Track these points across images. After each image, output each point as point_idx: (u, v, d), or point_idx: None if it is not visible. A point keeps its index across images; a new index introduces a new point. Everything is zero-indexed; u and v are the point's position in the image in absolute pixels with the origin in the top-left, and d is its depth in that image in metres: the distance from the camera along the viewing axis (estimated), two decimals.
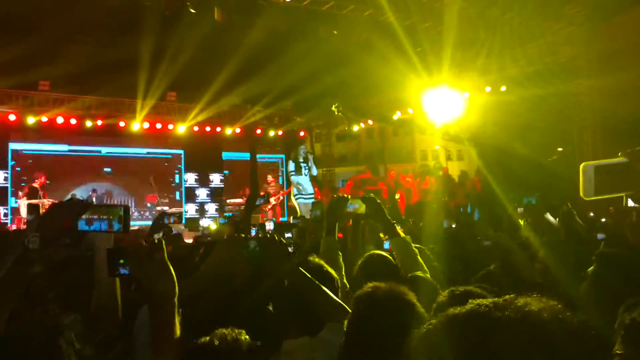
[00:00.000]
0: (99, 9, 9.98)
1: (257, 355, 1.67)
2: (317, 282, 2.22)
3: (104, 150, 15.41)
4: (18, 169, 14.17)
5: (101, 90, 13.62)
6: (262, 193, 13.60)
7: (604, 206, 7.08)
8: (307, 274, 2.24)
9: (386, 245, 4.46)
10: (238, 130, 16.24)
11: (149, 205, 15.41)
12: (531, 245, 3.61)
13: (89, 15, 10.22)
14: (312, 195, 10.08)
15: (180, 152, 16.17)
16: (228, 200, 15.89)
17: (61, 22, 10.65)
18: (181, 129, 15.32)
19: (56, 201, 12.67)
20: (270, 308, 2.44)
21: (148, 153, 15.99)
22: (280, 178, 16.32)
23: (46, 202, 12.05)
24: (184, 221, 11.09)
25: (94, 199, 13.99)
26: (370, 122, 16.22)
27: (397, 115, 14.97)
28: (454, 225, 6.68)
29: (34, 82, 13.34)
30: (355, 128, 16.83)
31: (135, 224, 13.78)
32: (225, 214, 10.73)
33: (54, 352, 1.63)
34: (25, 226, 9.72)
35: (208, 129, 15.92)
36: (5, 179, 13.92)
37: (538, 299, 0.90)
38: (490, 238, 4.24)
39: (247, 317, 2.25)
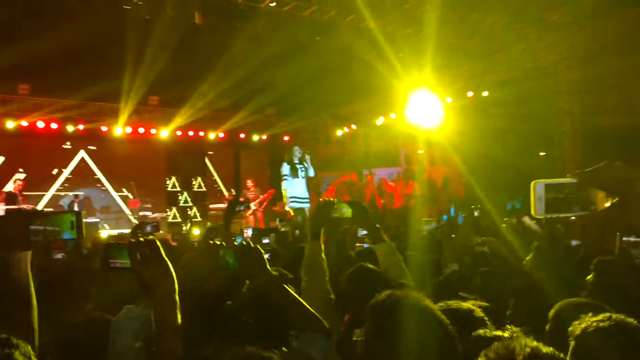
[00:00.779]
0: (80, 13, 9.87)
1: None
2: (292, 292, 2.21)
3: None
4: None
5: (83, 95, 13.47)
6: (242, 199, 13.53)
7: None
8: (283, 283, 2.21)
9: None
10: (222, 134, 16.17)
11: (130, 210, 15.25)
12: (515, 251, 3.62)
13: (70, 18, 10.11)
14: (308, 200, 9.69)
15: (163, 156, 16.05)
16: (211, 206, 15.78)
17: (41, 25, 10.53)
18: (164, 133, 15.21)
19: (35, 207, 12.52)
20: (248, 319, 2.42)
21: (130, 157, 15.84)
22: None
23: (24, 207, 11.86)
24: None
25: (75, 205, 13.80)
26: (354, 126, 16.26)
27: (380, 121, 15.02)
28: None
29: (13, 86, 13.17)
30: (339, 132, 16.87)
31: (116, 231, 13.65)
32: None
33: None
34: None
35: (191, 133, 15.82)
36: None
37: None
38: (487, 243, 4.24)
39: (227, 327, 2.23)
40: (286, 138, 17.56)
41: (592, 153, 10.74)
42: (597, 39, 9.89)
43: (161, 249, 1.90)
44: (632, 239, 3.03)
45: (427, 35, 9.28)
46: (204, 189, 16.54)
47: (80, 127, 14.12)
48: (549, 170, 11.64)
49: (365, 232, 5.19)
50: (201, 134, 16.00)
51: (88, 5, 9.59)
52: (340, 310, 2.75)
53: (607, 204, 1.63)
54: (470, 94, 12.58)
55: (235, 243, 5.03)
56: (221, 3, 9.39)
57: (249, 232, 6.36)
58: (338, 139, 16.97)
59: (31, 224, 1.86)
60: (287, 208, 9.77)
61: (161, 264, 1.87)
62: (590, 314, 1.70)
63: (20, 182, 12.49)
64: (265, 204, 13.58)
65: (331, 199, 3.09)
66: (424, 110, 11.26)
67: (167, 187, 15.88)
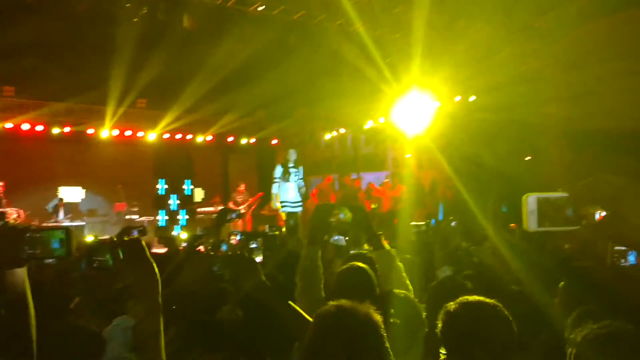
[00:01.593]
0: (67, 15, 9.79)
1: None
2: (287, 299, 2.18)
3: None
4: None
5: (69, 97, 13.36)
6: (230, 203, 13.49)
7: None
8: (275, 292, 2.19)
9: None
10: (210, 137, 16.11)
11: (117, 213, 15.11)
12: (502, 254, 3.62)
13: (57, 20, 10.02)
14: (300, 203, 9.54)
15: (150, 159, 15.94)
16: (199, 209, 15.70)
17: (27, 27, 10.43)
18: (151, 136, 15.11)
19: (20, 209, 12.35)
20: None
21: (117, 160, 15.71)
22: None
23: (9, 211, 11.72)
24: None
25: (61, 210, 13.66)
26: (342, 129, 16.30)
27: (368, 125, 15.07)
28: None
29: None
30: (328, 136, 16.89)
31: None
32: None
33: None
34: None
35: (179, 136, 15.74)
36: None
37: None
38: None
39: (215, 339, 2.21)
40: (274, 142, 17.55)
41: (578, 158, 10.87)
42: (581, 44, 10.02)
43: (146, 249, 1.86)
44: (623, 248, 3.01)
45: (415, 40, 9.34)
46: (191, 192, 16.44)
47: (66, 129, 13.98)
48: (535, 175, 11.75)
49: (337, 237, 5.18)
50: (189, 137, 15.92)
51: (75, 7, 9.54)
52: None
53: (599, 218, 1.64)
54: (457, 98, 12.68)
55: (222, 250, 5.02)
56: (210, 6, 9.38)
57: (237, 238, 6.30)
58: (326, 143, 16.99)
59: (21, 240, 1.78)
60: (280, 212, 9.68)
61: (144, 263, 1.83)
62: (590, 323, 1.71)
63: (0, 184, 12.31)
64: (253, 207, 13.55)
65: (330, 203, 3.02)
66: (411, 114, 11.32)
67: (155, 191, 15.76)
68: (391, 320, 2.06)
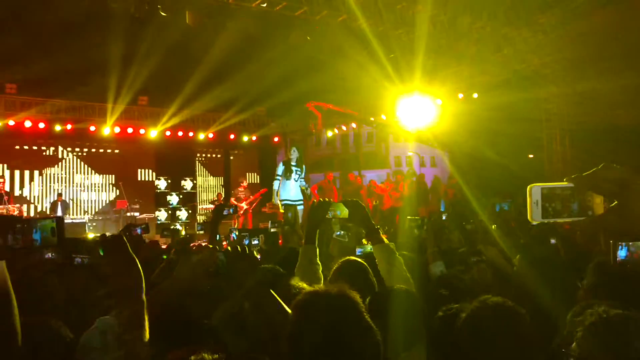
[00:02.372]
0: (68, 12, 9.77)
1: None
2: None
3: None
4: None
5: (71, 94, 13.35)
6: (232, 199, 13.46)
7: None
8: (272, 292, 2.14)
9: (358, 251, 4.43)
10: (211, 135, 16.09)
11: (118, 211, 15.12)
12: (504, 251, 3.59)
13: (58, 17, 10.01)
14: (302, 201, 9.54)
15: (152, 157, 15.94)
16: (200, 207, 15.69)
17: (29, 25, 10.41)
18: (153, 133, 15.09)
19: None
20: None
21: (118, 157, 15.74)
22: None
23: (11, 208, 11.71)
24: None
25: (59, 205, 13.66)
26: (344, 127, 16.26)
27: (371, 122, 15.03)
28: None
29: (1, 85, 13.02)
30: (330, 134, 16.86)
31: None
32: None
33: None
34: None
35: (180, 133, 15.73)
36: None
37: None
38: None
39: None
40: (276, 139, 17.52)
41: (580, 154, 10.85)
42: (583, 41, 9.97)
43: (127, 245, 1.83)
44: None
45: (418, 36, 9.31)
46: (193, 189, 16.44)
47: (69, 126, 13.97)
48: (538, 172, 11.73)
49: (340, 232, 5.14)
50: (191, 134, 15.90)
51: (76, 5, 9.52)
52: None
53: (605, 209, 1.60)
54: (460, 95, 12.64)
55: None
56: (212, 3, 9.34)
57: (233, 236, 6.25)
58: (328, 140, 16.98)
59: (7, 231, 1.78)
60: (281, 209, 9.67)
61: (126, 259, 1.80)
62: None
63: (1, 181, 12.31)
64: (255, 204, 13.51)
65: (327, 200, 2.95)
66: (414, 111, 11.29)
67: (156, 188, 15.75)
68: (393, 317, 2.02)
